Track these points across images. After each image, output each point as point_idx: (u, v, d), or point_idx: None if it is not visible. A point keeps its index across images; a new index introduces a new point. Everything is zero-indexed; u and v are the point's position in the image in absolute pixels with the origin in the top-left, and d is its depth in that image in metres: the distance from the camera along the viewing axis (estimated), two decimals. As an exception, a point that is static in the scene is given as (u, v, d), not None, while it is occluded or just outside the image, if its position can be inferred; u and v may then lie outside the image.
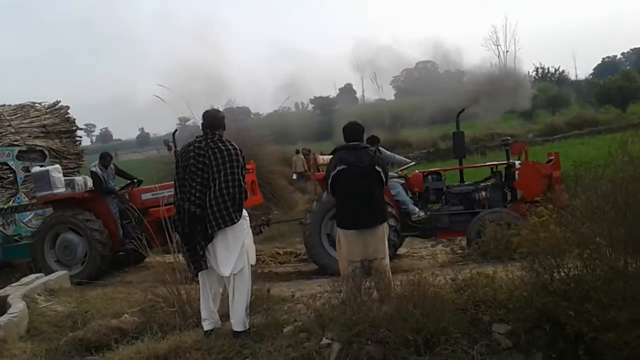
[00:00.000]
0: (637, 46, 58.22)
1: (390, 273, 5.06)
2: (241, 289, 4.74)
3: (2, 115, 11.21)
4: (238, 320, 4.69)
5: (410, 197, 8.42)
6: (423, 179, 8.58)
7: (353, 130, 5.20)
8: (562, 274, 3.90)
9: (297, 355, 4.13)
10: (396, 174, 8.63)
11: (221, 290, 5.02)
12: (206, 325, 4.85)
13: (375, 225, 5.01)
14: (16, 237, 10.71)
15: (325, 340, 4.19)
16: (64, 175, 10.12)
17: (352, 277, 4.75)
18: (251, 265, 4.94)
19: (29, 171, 11.00)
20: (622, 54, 66.57)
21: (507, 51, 55.99)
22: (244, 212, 4.86)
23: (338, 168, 5.00)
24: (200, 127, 4.97)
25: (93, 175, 9.60)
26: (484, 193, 8.25)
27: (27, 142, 11.32)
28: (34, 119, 11.91)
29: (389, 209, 7.48)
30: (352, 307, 4.30)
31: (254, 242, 5.20)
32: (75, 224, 9.19)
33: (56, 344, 5.32)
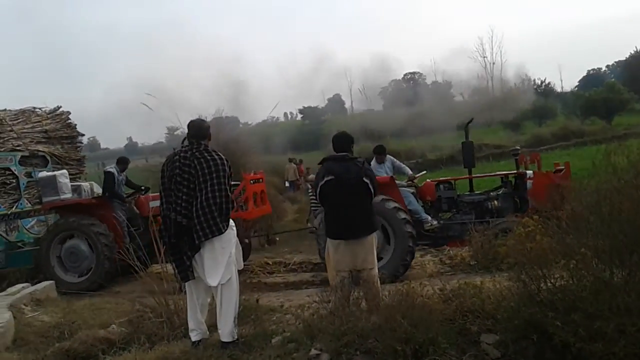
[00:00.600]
0: (621, 59, 58.97)
1: (378, 283, 5.07)
2: (229, 299, 4.72)
3: (3, 120, 11.07)
4: (226, 331, 4.68)
5: (422, 206, 8.45)
6: (435, 188, 8.61)
7: (342, 141, 5.20)
8: (549, 284, 3.91)
9: (286, 365, 4.12)
10: (405, 183, 8.65)
11: (209, 300, 5.00)
12: (194, 336, 4.83)
13: (364, 236, 5.01)
14: (19, 244, 10.60)
15: (314, 351, 4.18)
16: (67, 182, 10.06)
17: (341, 287, 4.76)
18: (239, 274, 4.93)
19: (32, 177, 11.00)
20: (607, 66, 67.51)
21: (493, 63, 56.65)
22: (231, 222, 4.86)
23: (326, 179, 5.00)
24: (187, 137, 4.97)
25: (108, 175, 9.48)
26: (495, 202, 8.29)
27: (29, 148, 11.19)
28: (35, 124, 11.79)
29: (403, 216, 7.58)
30: (340, 318, 4.31)
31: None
32: (82, 229, 9.08)
33: (43, 354, 5.27)
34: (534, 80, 51.63)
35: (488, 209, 8.31)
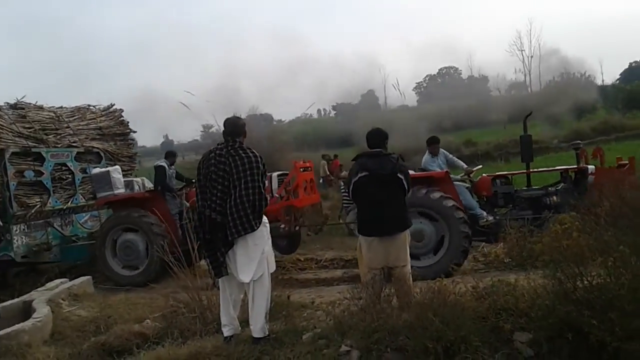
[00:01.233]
0: (665, 50, 57.12)
1: (410, 280, 5.02)
2: (261, 295, 4.75)
3: (61, 117, 11.31)
4: (258, 327, 4.71)
5: (477, 201, 8.32)
6: (492, 182, 8.49)
7: (376, 137, 5.17)
8: (585, 282, 3.83)
9: (316, 362, 4.12)
10: (460, 178, 8.52)
11: (242, 296, 5.03)
12: (226, 331, 4.88)
13: (397, 233, 4.97)
14: (73, 238, 10.85)
15: (344, 348, 4.18)
16: (119, 178, 10.26)
17: (372, 284, 4.74)
18: (271, 272, 4.96)
19: (86, 172, 11.23)
20: (650, 58, 65.35)
21: (531, 56, 55.52)
22: (264, 219, 4.88)
23: (360, 175, 4.98)
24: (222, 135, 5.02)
25: (159, 169, 9.59)
26: (554, 197, 8.09)
27: (84, 144, 11.42)
28: (90, 121, 12.02)
29: (461, 215, 7.50)
30: (371, 315, 4.29)
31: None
32: (133, 221, 9.19)
33: (79, 348, 5.40)
34: (574, 73, 50.35)
35: (547, 204, 8.08)
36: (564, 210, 7.59)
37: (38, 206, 10.12)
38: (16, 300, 6.87)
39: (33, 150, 10.22)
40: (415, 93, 71.52)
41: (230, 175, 4.72)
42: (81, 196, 11.12)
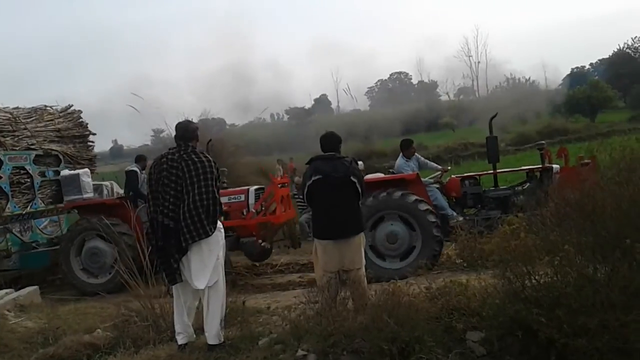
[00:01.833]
0: (605, 57, 59.50)
1: (365, 283, 5.07)
2: (216, 301, 4.71)
3: (18, 118, 10.76)
4: (212, 334, 4.66)
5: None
6: (461, 183, 8.63)
7: (330, 141, 5.21)
8: (533, 281, 3.95)
9: (272, 367, 4.11)
10: (432, 180, 8.65)
11: (196, 303, 4.97)
12: (180, 339, 4.80)
13: (351, 236, 5.01)
14: (33, 244, 10.46)
15: (300, 352, 4.18)
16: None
17: (328, 287, 4.76)
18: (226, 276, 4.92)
19: (45, 176, 10.77)
20: (591, 64, 68.07)
21: (478, 62, 57.04)
22: (219, 224, 4.84)
23: (313, 178, 5.00)
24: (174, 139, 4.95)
25: (131, 174, 9.32)
26: (521, 197, 8.29)
27: (43, 146, 10.93)
28: (48, 122, 11.50)
29: (434, 219, 7.67)
30: (327, 318, 4.30)
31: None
32: (104, 229, 8.77)
33: (26, 360, 5.22)
34: (519, 79, 51.98)
35: (514, 204, 8.29)
36: (531, 209, 7.84)
37: None
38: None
39: None
40: (367, 97, 72.39)
41: (183, 180, 4.66)
42: (40, 201, 10.66)
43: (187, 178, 4.65)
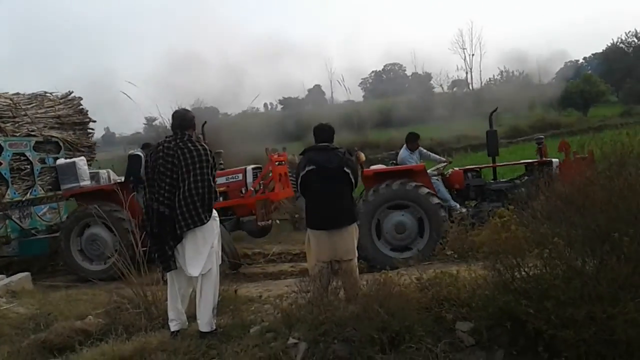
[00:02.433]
0: (598, 51, 59.57)
1: (357, 273, 5.12)
2: (209, 289, 4.74)
3: (18, 105, 10.71)
4: (205, 321, 4.69)
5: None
6: (464, 176, 8.73)
7: (323, 132, 5.24)
8: (523, 273, 4.00)
9: (263, 355, 4.15)
10: (435, 172, 8.74)
11: (190, 291, 4.99)
12: (173, 326, 4.83)
13: (344, 226, 5.05)
14: (33, 231, 10.42)
15: (292, 340, 4.22)
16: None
17: (320, 277, 4.80)
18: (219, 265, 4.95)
19: (45, 163, 10.74)
20: (584, 58, 68.20)
21: (472, 54, 57.01)
22: (214, 213, 4.86)
23: (307, 168, 5.03)
24: (170, 127, 4.96)
25: (135, 158, 9.20)
26: (522, 190, 8.39)
27: (43, 133, 10.87)
28: (48, 109, 11.43)
29: (436, 200, 7.87)
30: (319, 307, 4.34)
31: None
32: (103, 216, 8.62)
33: (18, 346, 5.23)
34: (513, 72, 52.01)
35: (514, 196, 8.41)
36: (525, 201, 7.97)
37: None
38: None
39: None
40: (361, 89, 72.26)
41: (178, 169, 4.67)
42: (40, 187, 10.64)
43: (182, 166, 4.67)
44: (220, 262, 5.01)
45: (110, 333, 5.06)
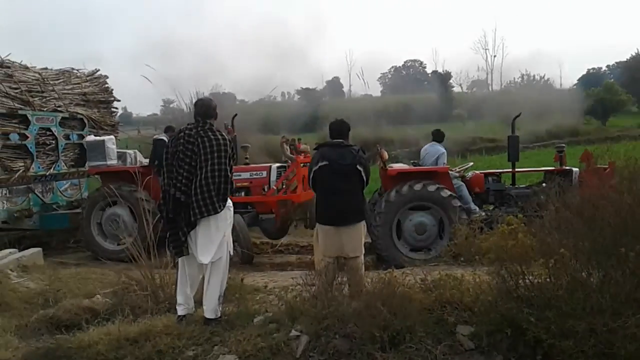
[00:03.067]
0: (622, 59, 58.79)
1: (363, 270, 5.15)
2: (217, 277, 4.81)
3: (46, 79, 10.84)
4: (210, 308, 4.76)
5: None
6: (485, 180, 8.80)
7: (339, 128, 5.26)
8: (527, 281, 4.02)
9: (265, 345, 4.20)
10: (457, 174, 8.80)
11: (200, 277, 5.04)
12: (180, 310, 4.91)
13: (353, 223, 5.08)
14: (54, 206, 10.60)
15: (294, 332, 4.28)
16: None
17: (326, 272, 4.84)
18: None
19: (69, 139, 10.93)
20: (607, 66, 67.44)
21: (494, 56, 56.56)
22: (229, 202, 4.92)
23: (320, 164, 5.06)
24: (189, 111, 5.01)
25: (159, 142, 9.27)
26: (542, 196, 8.39)
27: (69, 109, 11.04)
28: (75, 85, 11.58)
29: (458, 203, 7.97)
30: (322, 302, 4.39)
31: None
32: (125, 196, 8.88)
33: (26, 320, 5.34)
34: (534, 75, 51.58)
35: (535, 203, 8.40)
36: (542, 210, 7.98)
37: (21, 171, 9.80)
38: (-38, 268, 6.71)
39: (19, 112, 9.85)
40: (380, 83, 72.04)
41: (197, 156, 4.73)
42: (63, 163, 10.80)
43: (201, 154, 4.73)
44: (232, 252, 5.07)
45: (116, 313, 5.15)
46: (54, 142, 10.63)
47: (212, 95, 25.61)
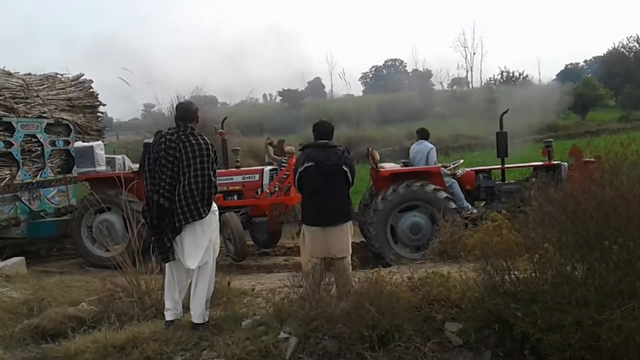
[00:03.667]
0: (599, 54, 59.56)
1: (350, 271, 5.16)
2: (204, 282, 4.78)
3: (30, 85, 10.62)
4: (198, 313, 4.74)
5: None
6: (475, 177, 8.86)
7: (323, 129, 5.25)
8: (513, 276, 4.05)
9: (254, 348, 4.19)
10: (448, 172, 8.84)
11: (189, 282, 5.01)
12: (168, 316, 4.87)
13: (339, 224, 5.07)
14: (42, 214, 10.44)
15: (282, 335, 4.27)
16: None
17: (313, 273, 4.84)
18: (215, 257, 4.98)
19: (55, 145, 10.75)
20: (585, 61, 68.28)
21: (474, 53, 57.06)
22: (214, 206, 4.89)
23: (305, 165, 5.05)
24: (169, 115, 4.98)
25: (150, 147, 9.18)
26: (532, 192, 8.46)
27: (54, 115, 10.84)
28: (59, 91, 11.36)
29: (454, 205, 8.05)
30: (310, 303, 4.39)
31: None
32: (117, 203, 8.71)
33: (11, 330, 5.26)
34: (513, 72, 52.02)
35: (524, 198, 8.49)
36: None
37: (7, 179, 9.64)
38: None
39: (4, 119, 9.66)
40: (361, 83, 72.28)
41: (180, 162, 4.68)
42: (50, 170, 10.65)
43: (184, 160, 4.68)
44: (217, 254, 5.05)
45: (102, 321, 5.09)
46: (39, 148, 10.46)
47: (192, 98, 25.48)
